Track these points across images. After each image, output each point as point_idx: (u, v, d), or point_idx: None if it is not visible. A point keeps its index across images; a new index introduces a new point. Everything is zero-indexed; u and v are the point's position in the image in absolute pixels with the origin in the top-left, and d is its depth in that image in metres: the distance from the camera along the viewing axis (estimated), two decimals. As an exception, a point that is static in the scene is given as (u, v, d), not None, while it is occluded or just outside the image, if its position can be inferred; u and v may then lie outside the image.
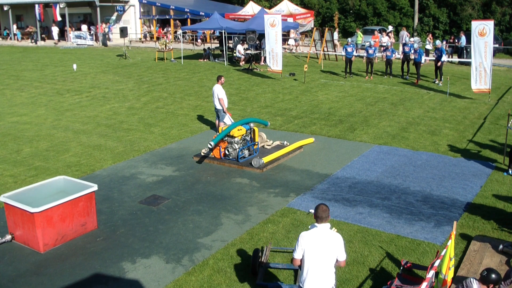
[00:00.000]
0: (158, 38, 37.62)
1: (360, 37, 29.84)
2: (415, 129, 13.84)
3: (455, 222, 6.08)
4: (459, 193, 9.49)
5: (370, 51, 22.18)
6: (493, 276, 5.34)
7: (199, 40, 37.98)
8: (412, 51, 21.18)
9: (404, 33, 28.90)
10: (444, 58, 20.77)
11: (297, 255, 5.08)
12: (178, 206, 9.07)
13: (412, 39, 24.95)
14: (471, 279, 5.43)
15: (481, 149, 12.13)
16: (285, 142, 12.41)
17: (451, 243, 5.66)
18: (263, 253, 7.12)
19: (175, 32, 38.41)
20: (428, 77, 21.78)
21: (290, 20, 33.33)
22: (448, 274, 5.60)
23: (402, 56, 22.67)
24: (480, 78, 17.07)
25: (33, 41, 41.68)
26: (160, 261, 7.23)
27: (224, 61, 27.74)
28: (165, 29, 40.20)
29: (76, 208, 7.84)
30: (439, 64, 20.30)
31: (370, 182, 10.12)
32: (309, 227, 5.22)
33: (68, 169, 10.98)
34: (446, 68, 24.43)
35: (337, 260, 5.07)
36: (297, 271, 6.81)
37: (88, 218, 8.07)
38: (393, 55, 22.37)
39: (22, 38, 43.38)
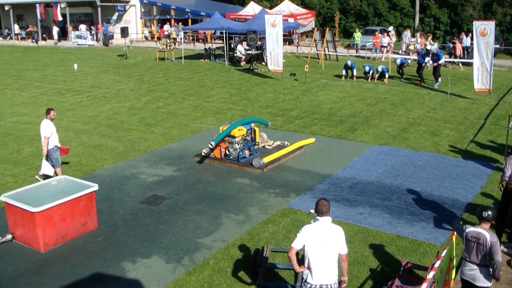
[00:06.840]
0: (159, 38, 37.60)
1: (358, 38, 29.82)
2: (416, 130, 13.83)
3: (455, 223, 6.08)
4: (460, 194, 9.49)
5: None
6: (489, 212, 5.36)
7: (201, 40, 37.94)
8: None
9: (408, 34, 28.86)
10: (442, 61, 20.51)
11: (295, 245, 5.15)
12: (178, 206, 9.07)
13: (413, 39, 24.82)
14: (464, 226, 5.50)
15: (481, 149, 12.12)
16: (286, 142, 12.41)
17: (452, 244, 5.66)
18: (263, 253, 7.12)
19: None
20: (428, 79, 21.75)
21: (291, 20, 33.32)
22: (450, 274, 5.60)
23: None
24: (482, 78, 17.07)
25: (33, 41, 41.71)
26: (160, 261, 7.23)
27: (225, 61, 27.74)
28: (168, 28, 40.00)
29: (76, 208, 7.84)
30: (435, 64, 20.12)
31: (370, 182, 10.11)
32: (312, 221, 5.32)
33: (68, 169, 10.98)
34: (447, 69, 24.43)
35: (339, 254, 5.11)
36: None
37: (88, 217, 8.07)
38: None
39: (23, 38, 43.44)
